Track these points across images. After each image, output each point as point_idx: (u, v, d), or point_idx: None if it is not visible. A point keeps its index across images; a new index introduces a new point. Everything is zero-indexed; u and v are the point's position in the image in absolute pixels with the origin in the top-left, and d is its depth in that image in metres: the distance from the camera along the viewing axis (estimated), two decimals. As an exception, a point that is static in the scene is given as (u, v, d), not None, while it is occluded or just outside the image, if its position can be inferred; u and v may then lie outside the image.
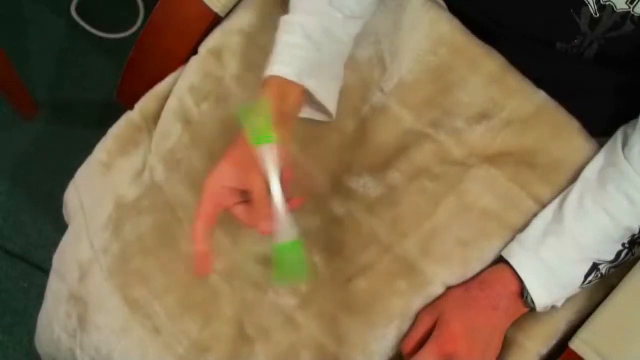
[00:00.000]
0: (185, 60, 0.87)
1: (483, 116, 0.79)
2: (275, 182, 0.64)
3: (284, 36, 0.73)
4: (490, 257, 0.75)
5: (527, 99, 0.79)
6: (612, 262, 0.72)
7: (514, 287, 0.72)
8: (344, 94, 0.81)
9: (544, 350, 0.75)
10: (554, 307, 0.74)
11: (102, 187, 0.84)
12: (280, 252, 0.64)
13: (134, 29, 1.60)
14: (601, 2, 0.70)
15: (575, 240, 0.71)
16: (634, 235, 0.72)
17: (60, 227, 0.89)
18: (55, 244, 0.87)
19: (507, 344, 0.74)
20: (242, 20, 0.85)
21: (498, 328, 0.72)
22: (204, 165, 0.80)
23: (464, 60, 0.80)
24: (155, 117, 0.86)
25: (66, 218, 0.91)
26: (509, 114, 0.79)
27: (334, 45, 0.75)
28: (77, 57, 1.58)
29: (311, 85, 0.72)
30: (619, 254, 0.72)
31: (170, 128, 0.83)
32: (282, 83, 0.70)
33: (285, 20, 0.74)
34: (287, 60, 0.71)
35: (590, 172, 0.74)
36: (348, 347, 0.74)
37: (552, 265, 0.71)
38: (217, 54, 0.85)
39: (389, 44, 0.82)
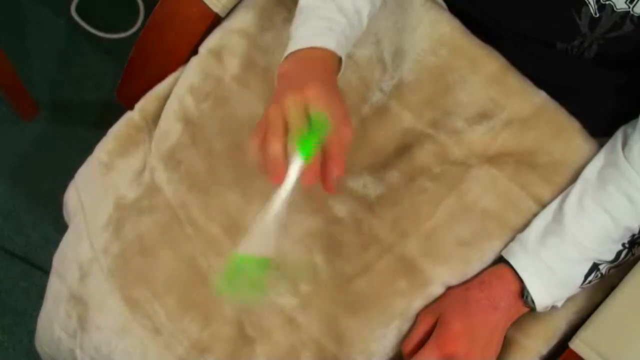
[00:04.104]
0: (186, 60, 0.87)
1: (483, 116, 0.79)
2: (283, 194, 0.62)
3: (319, 10, 0.72)
4: (490, 257, 0.75)
5: (527, 99, 0.79)
6: (612, 262, 0.72)
7: (514, 287, 0.72)
8: (344, 93, 0.81)
9: (544, 350, 0.75)
10: (554, 307, 0.74)
11: (102, 187, 0.84)
12: (241, 262, 0.61)
13: (134, 29, 1.60)
14: (601, 1, 0.70)
15: (575, 240, 0.71)
16: (633, 235, 0.72)
17: (60, 227, 0.89)
18: (55, 244, 0.87)
19: (507, 344, 0.74)
20: (242, 20, 0.85)
21: (498, 328, 0.72)
22: (204, 165, 0.80)
23: (464, 61, 0.80)
24: (155, 117, 0.86)
25: (66, 218, 0.91)
26: (509, 114, 0.79)
27: (359, 28, 0.76)
28: (77, 57, 1.58)
29: (343, 59, 0.72)
30: (618, 253, 0.72)
31: (170, 128, 0.83)
32: (327, 56, 0.70)
33: None
34: (328, 33, 0.71)
35: (590, 172, 0.74)
36: (348, 347, 0.74)
37: (552, 265, 0.71)
38: (217, 54, 0.85)
39: (389, 43, 0.82)
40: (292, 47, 0.71)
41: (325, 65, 0.70)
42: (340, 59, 0.72)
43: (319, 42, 0.70)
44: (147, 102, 0.87)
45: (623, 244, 0.72)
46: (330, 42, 0.70)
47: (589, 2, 0.70)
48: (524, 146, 0.78)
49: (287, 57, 0.71)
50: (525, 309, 0.73)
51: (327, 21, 0.72)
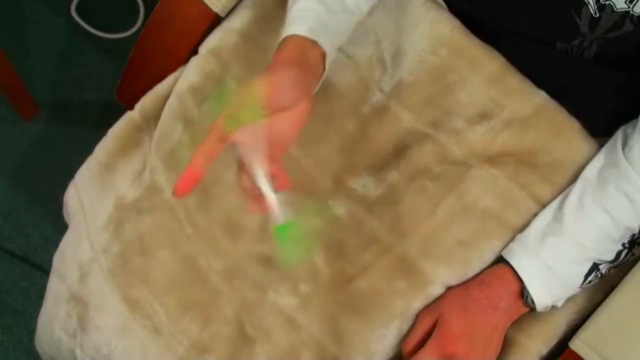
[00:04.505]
0: (186, 60, 0.87)
1: (483, 116, 0.79)
2: (260, 171, 0.61)
3: (297, 3, 0.71)
4: (490, 257, 0.75)
5: (527, 99, 0.79)
6: (612, 262, 0.72)
7: (514, 287, 0.72)
8: (344, 93, 0.81)
9: (544, 350, 0.75)
10: (554, 307, 0.74)
11: (102, 187, 0.84)
12: (278, 232, 0.62)
13: (134, 29, 1.60)
14: (601, 1, 0.70)
15: (575, 240, 0.71)
16: (633, 235, 0.72)
17: (60, 227, 0.89)
18: (55, 244, 0.87)
19: (507, 344, 0.74)
20: (242, 20, 0.85)
21: (498, 328, 0.72)
22: (204, 165, 0.80)
23: (464, 60, 0.80)
24: (155, 117, 0.86)
25: (66, 218, 0.91)
26: (509, 114, 0.79)
27: (345, 14, 0.74)
28: (77, 57, 1.58)
29: (325, 45, 0.69)
30: (618, 253, 0.72)
31: (170, 128, 0.83)
32: (299, 41, 0.68)
33: None
34: (300, 21, 0.69)
35: (590, 172, 0.74)
36: (348, 347, 0.74)
37: (552, 265, 0.71)
38: (217, 54, 0.85)
39: (389, 43, 0.82)
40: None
41: (291, 53, 0.67)
42: (318, 44, 0.69)
43: (289, 32, 0.68)
44: (147, 102, 0.87)
45: (623, 244, 0.72)
46: (300, 29, 0.68)
47: (589, 2, 0.70)
48: (524, 146, 0.78)
49: None
50: (525, 309, 0.73)
51: (302, 11, 0.70)
